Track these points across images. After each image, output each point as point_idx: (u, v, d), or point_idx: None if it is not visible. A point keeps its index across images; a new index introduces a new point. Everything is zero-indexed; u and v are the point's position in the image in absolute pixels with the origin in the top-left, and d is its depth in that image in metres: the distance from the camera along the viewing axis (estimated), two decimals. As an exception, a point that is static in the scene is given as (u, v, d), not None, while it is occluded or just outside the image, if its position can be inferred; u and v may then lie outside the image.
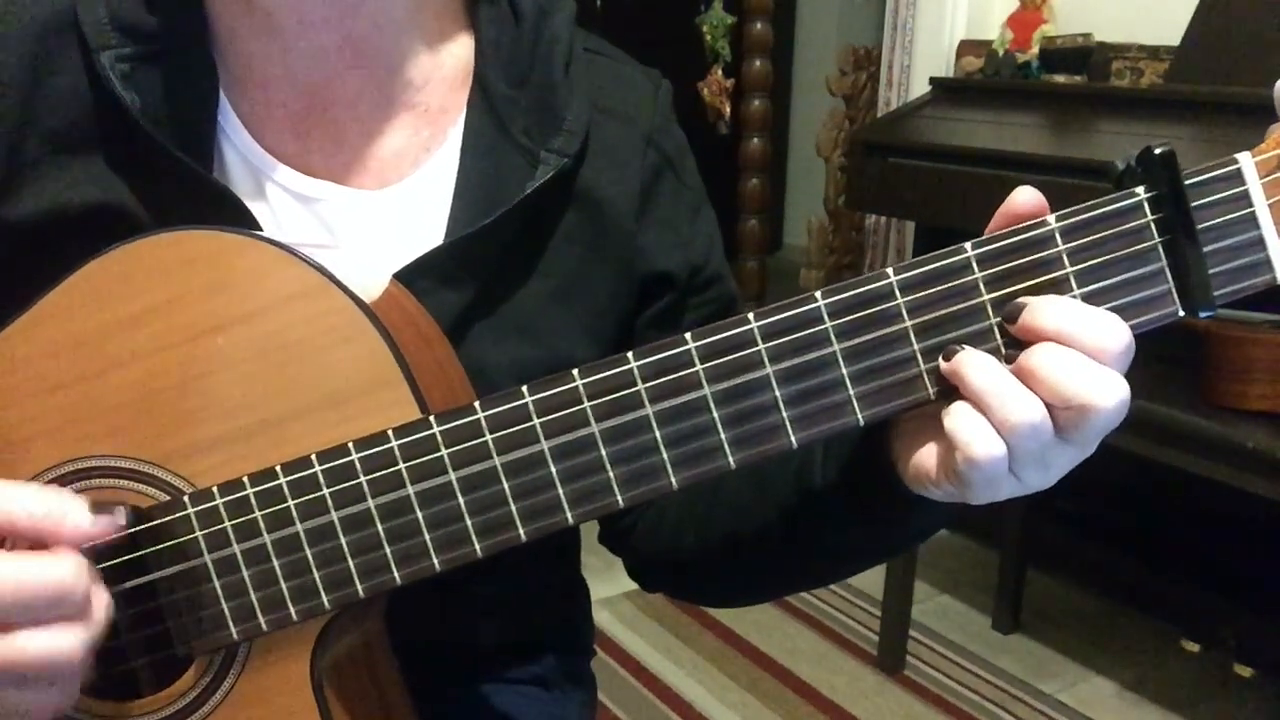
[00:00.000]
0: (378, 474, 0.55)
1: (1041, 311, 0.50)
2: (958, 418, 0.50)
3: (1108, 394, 0.48)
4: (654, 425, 0.53)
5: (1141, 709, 2.02)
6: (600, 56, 0.76)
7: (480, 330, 0.69)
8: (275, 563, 0.56)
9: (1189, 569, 2.17)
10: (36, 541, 0.53)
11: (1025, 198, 0.51)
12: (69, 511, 0.53)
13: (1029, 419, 0.49)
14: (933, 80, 2.31)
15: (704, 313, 0.78)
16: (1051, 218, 0.51)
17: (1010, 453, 0.50)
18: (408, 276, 0.64)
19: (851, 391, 0.52)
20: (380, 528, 0.55)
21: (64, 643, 0.51)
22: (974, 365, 0.50)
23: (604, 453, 0.53)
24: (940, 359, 0.51)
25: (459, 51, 0.72)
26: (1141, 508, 2.25)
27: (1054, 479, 0.53)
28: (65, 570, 0.51)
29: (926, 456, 0.54)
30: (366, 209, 0.69)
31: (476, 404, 0.54)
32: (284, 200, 0.68)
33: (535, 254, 0.71)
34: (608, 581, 2.22)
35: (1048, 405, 0.49)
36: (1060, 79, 2.14)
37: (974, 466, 0.50)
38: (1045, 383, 0.49)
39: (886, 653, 2.13)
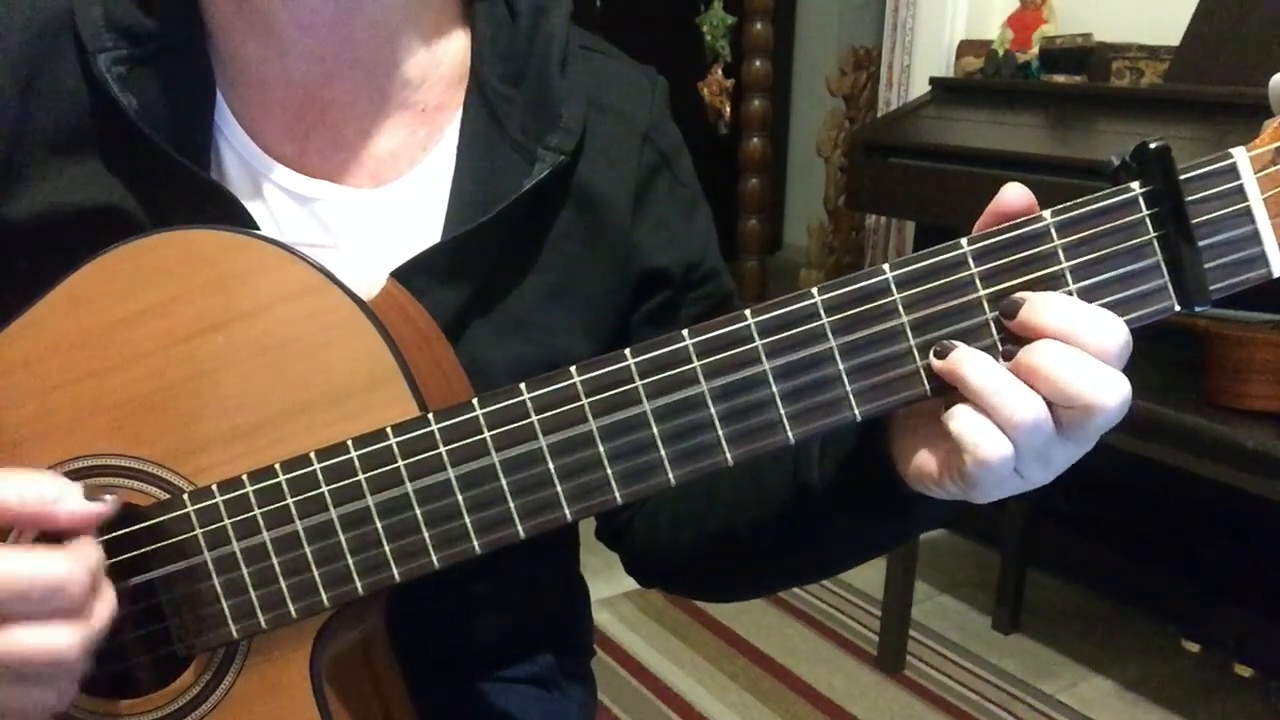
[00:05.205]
0: (376, 471, 0.55)
1: (1041, 308, 0.50)
2: (963, 420, 0.50)
3: (1111, 393, 0.49)
4: (651, 421, 0.53)
5: (1141, 709, 2.01)
6: (596, 54, 0.76)
7: (478, 328, 0.69)
8: (274, 560, 0.56)
9: (1189, 569, 2.17)
10: (34, 526, 0.53)
11: (1014, 194, 0.52)
12: (62, 496, 0.52)
13: (1032, 417, 0.49)
14: (933, 80, 2.31)
15: (700, 308, 0.78)
16: (1047, 213, 0.51)
17: (1016, 451, 0.50)
18: (405, 275, 0.64)
19: (848, 387, 0.52)
20: (379, 525, 0.55)
21: (59, 639, 0.50)
22: (973, 364, 0.50)
23: (601, 449, 0.53)
24: (933, 356, 0.51)
25: (455, 50, 0.72)
26: (1142, 508, 2.24)
27: (1055, 474, 0.53)
28: (59, 565, 0.51)
29: (928, 459, 0.54)
30: (364, 208, 0.69)
31: (474, 401, 0.54)
32: (281, 200, 0.68)
33: (532, 251, 0.71)
34: (608, 581, 2.22)
35: (1049, 402, 0.49)
36: (1060, 79, 2.14)
37: (983, 467, 0.50)
38: (1048, 381, 0.49)
39: (886, 653, 2.13)
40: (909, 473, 0.55)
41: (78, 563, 0.51)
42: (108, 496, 0.54)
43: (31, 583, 0.50)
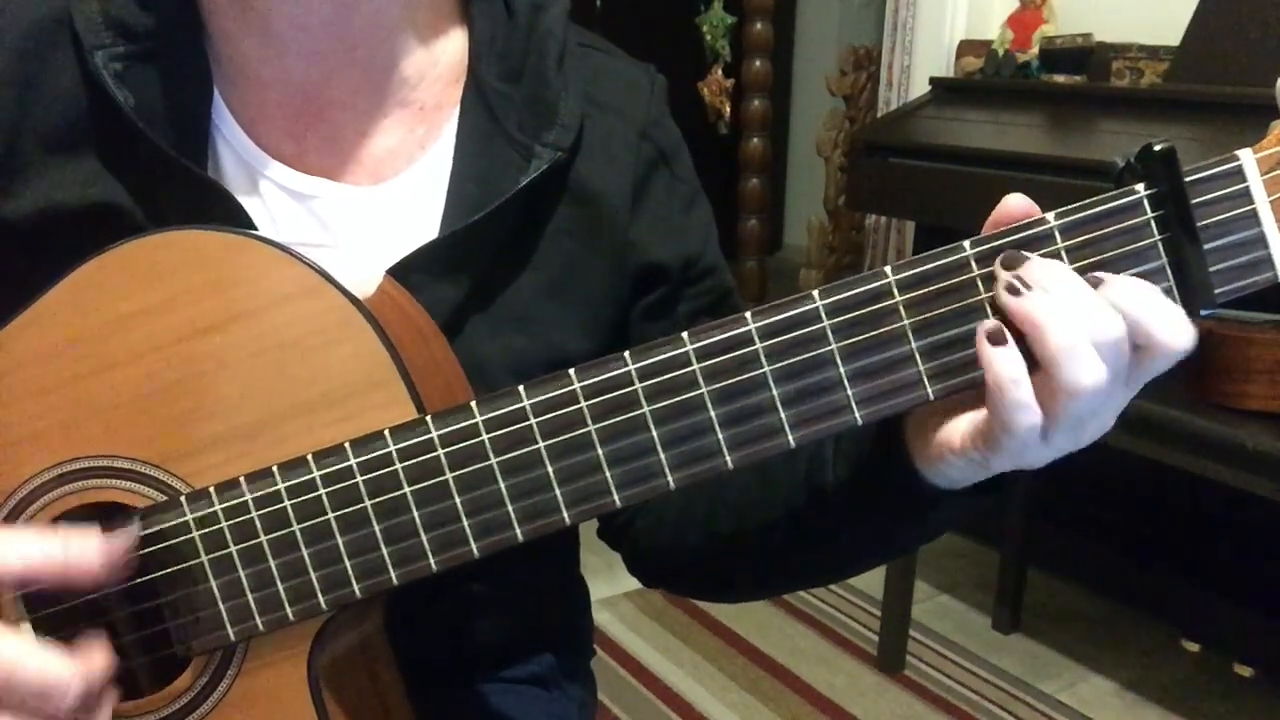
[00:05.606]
0: (374, 474, 0.54)
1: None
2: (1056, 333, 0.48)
3: (1184, 331, 0.49)
4: (651, 425, 0.52)
5: (1141, 709, 2.01)
6: (594, 51, 0.76)
7: (476, 324, 0.69)
8: (272, 563, 0.56)
9: (1189, 569, 2.17)
10: (76, 576, 0.53)
11: (1015, 204, 0.51)
12: (86, 546, 0.53)
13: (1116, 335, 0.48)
14: (933, 80, 2.31)
15: (699, 304, 0.78)
16: (1050, 215, 0.50)
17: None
18: (402, 271, 0.64)
19: (849, 390, 0.51)
20: (377, 528, 0.55)
21: None
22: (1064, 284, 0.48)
23: (600, 452, 0.53)
24: (999, 265, 0.49)
25: (453, 48, 0.72)
26: (1141, 508, 2.24)
27: (1086, 440, 0.52)
28: (64, 670, 0.51)
29: (951, 428, 0.53)
30: (361, 205, 0.69)
31: (473, 404, 0.54)
32: (279, 197, 0.68)
33: (530, 247, 0.71)
34: (608, 581, 2.22)
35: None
36: (1060, 79, 2.14)
37: (1076, 395, 0.48)
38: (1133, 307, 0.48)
39: (886, 653, 2.13)
40: (931, 446, 0.54)
41: (78, 676, 0.52)
42: (131, 523, 0.55)
43: (27, 679, 0.51)
